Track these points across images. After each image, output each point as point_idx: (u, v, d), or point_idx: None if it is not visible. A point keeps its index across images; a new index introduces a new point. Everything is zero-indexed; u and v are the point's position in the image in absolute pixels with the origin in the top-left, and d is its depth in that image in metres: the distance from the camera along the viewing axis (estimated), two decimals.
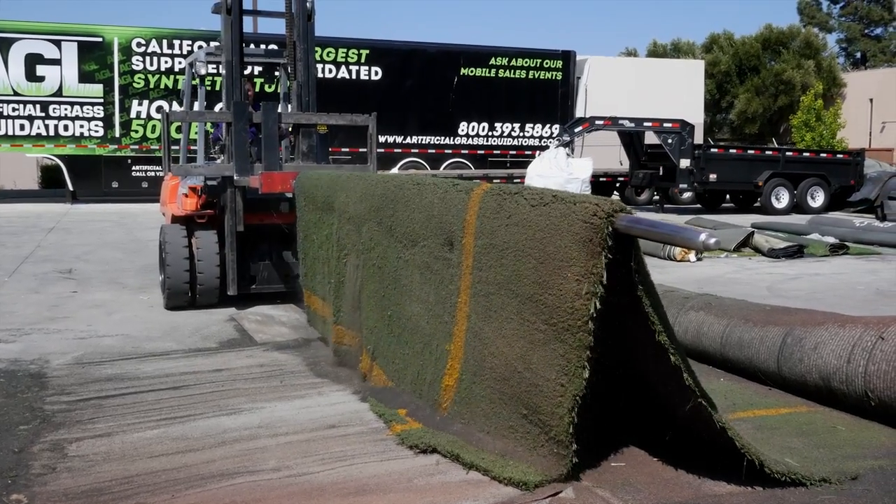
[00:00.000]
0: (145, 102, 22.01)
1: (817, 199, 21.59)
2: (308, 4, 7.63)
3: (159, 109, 21.85)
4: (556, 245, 3.47)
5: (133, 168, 22.33)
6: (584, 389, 3.41)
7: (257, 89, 19.61)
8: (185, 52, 21.74)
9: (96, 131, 21.73)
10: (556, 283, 3.47)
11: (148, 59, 21.95)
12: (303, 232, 6.41)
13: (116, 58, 21.66)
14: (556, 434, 3.51)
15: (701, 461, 3.70)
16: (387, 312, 4.86)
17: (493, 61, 24.83)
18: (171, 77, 21.98)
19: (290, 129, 8.14)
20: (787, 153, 22.58)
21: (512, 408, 3.75)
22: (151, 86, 21.98)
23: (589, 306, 3.36)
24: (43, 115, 21.30)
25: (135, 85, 21.87)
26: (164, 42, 22.04)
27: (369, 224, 5.12)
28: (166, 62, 22.07)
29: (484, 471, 3.66)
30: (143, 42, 21.86)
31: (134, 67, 21.84)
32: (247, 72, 7.95)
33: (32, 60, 21.11)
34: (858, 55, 54.24)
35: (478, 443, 3.86)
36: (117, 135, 21.88)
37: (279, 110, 7.99)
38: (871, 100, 38.85)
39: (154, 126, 21.87)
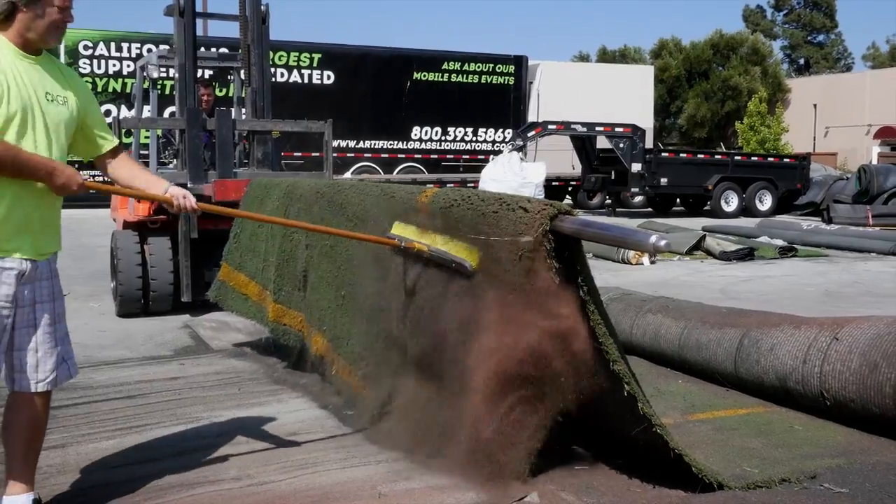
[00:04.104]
0: None
1: (765, 202, 21.99)
2: (262, 7, 7.54)
3: (107, 113, 21.47)
4: (509, 220, 3.48)
5: (79, 173, 21.86)
6: None
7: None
8: (133, 55, 21.38)
9: None
10: (510, 258, 3.48)
11: (95, 61, 21.57)
12: (244, 206, 6.10)
13: (63, 60, 21.19)
14: None
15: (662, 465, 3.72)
16: (340, 292, 4.80)
17: (445, 66, 24.87)
18: (120, 80, 21.62)
19: (244, 135, 8.03)
20: (736, 157, 23.00)
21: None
22: (99, 89, 21.57)
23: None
24: None
25: None
26: (112, 45, 21.68)
27: (321, 203, 5.07)
28: (114, 65, 21.71)
29: None
30: (90, 45, 21.48)
31: (81, 70, 21.41)
32: (206, 75, 7.85)
33: None
34: (802, 61, 55.43)
35: None
36: None
37: (233, 116, 7.89)
38: (815, 105, 39.71)
39: None
